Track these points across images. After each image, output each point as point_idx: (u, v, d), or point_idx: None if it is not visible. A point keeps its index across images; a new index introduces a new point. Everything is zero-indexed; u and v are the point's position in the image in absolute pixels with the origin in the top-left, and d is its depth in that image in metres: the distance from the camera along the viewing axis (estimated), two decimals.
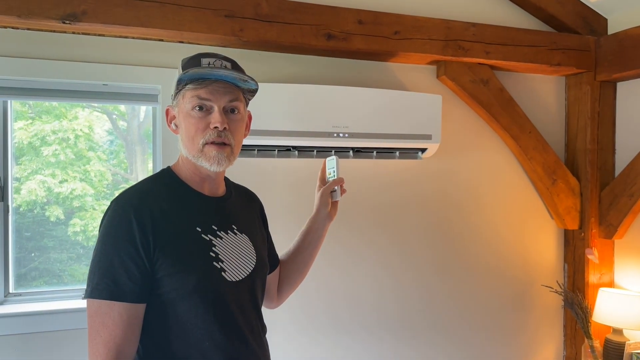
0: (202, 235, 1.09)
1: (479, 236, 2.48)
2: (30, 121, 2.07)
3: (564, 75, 2.59)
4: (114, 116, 2.27)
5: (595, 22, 2.52)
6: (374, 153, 2.21)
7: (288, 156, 2.11)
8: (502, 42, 2.29)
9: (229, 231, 1.15)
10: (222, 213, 1.17)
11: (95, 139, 2.19)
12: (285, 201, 2.15)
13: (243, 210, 1.26)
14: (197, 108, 1.08)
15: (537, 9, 2.44)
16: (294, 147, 2.10)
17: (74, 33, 1.88)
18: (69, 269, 2.09)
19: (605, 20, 2.55)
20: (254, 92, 1.18)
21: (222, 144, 1.09)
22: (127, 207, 1.04)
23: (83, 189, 2.13)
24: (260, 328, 1.20)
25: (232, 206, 1.21)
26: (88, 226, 2.12)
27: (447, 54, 2.21)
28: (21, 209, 2.03)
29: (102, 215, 1.08)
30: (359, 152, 2.19)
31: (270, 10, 1.96)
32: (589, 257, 2.48)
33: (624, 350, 2.25)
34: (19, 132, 2.03)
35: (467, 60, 2.27)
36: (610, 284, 2.53)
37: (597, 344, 2.34)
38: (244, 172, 1.97)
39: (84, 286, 1.03)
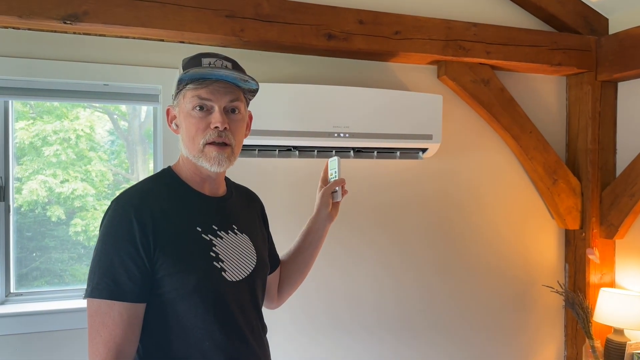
0: (203, 235, 1.09)
1: (479, 236, 2.48)
2: (31, 121, 2.08)
3: (564, 75, 2.59)
4: (115, 116, 2.28)
5: (596, 21, 2.52)
6: (375, 153, 2.21)
7: (289, 156, 2.11)
8: (502, 42, 2.29)
9: (229, 231, 1.15)
10: (222, 213, 1.17)
11: (96, 139, 2.19)
12: (286, 201, 2.16)
13: (244, 210, 1.26)
14: (198, 108, 1.08)
15: (538, 9, 2.44)
16: (295, 147, 2.10)
17: (74, 33, 1.88)
18: (70, 268, 2.09)
19: (606, 20, 2.54)
20: (254, 92, 1.18)
21: (223, 144, 1.09)
22: (128, 206, 1.04)
23: (84, 189, 2.13)
24: (260, 328, 1.20)
25: (232, 206, 1.21)
26: (89, 226, 2.12)
27: (448, 54, 2.21)
28: (22, 209, 2.03)
29: (103, 215, 1.08)
30: (359, 152, 2.19)
31: (271, 10, 1.96)
32: (590, 257, 2.48)
33: (625, 350, 2.24)
34: (20, 132, 2.04)
35: (468, 60, 2.27)
36: (611, 284, 2.53)
37: (598, 344, 2.33)
38: (245, 172, 1.97)
39: (85, 286, 1.03)
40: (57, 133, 2.10)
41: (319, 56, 2.19)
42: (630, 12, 2.43)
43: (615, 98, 2.56)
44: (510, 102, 2.38)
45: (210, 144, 1.09)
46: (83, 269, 2.09)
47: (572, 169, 2.54)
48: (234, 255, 1.12)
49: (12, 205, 1.97)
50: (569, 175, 2.50)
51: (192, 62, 1.10)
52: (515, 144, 2.43)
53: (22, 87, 1.89)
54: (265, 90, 1.78)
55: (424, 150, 2.25)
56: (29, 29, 1.83)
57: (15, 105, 2.00)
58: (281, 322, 2.14)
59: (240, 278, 1.12)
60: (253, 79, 1.12)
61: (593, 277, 2.50)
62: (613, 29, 2.52)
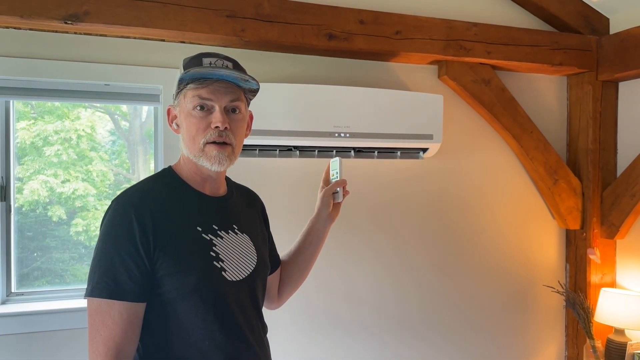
0: (203, 234, 1.09)
1: (480, 236, 2.48)
2: (32, 121, 2.08)
3: (565, 75, 2.58)
4: (116, 116, 2.28)
5: (597, 21, 2.52)
6: (375, 153, 2.21)
7: (289, 156, 2.11)
8: (503, 42, 2.29)
9: (229, 231, 1.15)
10: (223, 213, 1.17)
11: (97, 139, 2.20)
12: (287, 201, 2.16)
13: (244, 210, 1.26)
14: (198, 108, 1.09)
15: (539, 9, 2.44)
16: (295, 147, 2.10)
17: (75, 33, 1.88)
18: (71, 268, 2.09)
19: (607, 19, 2.54)
20: (255, 92, 1.18)
21: (223, 143, 1.09)
22: (128, 206, 1.04)
23: (85, 189, 2.14)
24: (260, 328, 1.20)
25: (233, 206, 1.21)
26: (90, 226, 2.12)
27: (449, 54, 2.21)
28: (23, 209, 2.03)
29: (103, 215, 1.08)
30: (360, 152, 2.19)
31: (272, 10, 1.96)
32: (591, 257, 2.48)
33: (625, 350, 2.24)
34: (21, 132, 2.04)
35: (469, 60, 2.27)
36: (612, 284, 2.53)
37: (599, 344, 2.33)
38: (246, 171, 1.97)
39: (86, 286, 1.03)
40: (58, 133, 2.10)
41: (320, 56, 2.20)
42: (631, 12, 2.43)
43: (616, 98, 2.55)
44: (511, 102, 2.38)
45: (210, 143, 1.09)
46: (84, 269, 2.10)
47: (573, 169, 2.54)
48: (234, 255, 1.13)
49: (13, 205, 1.98)
50: (569, 175, 2.49)
51: (193, 62, 1.10)
52: (516, 144, 2.42)
53: (23, 87, 1.89)
54: (266, 90, 1.79)
55: (424, 150, 2.25)
56: (30, 29, 1.83)
57: (17, 105, 2.00)
58: (281, 322, 2.14)
59: (241, 278, 1.12)
60: (254, 79, 1.12)
61: (594, 277, 2.49)
62: (614, 28, 2.52)
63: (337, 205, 1.36)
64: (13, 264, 1.97)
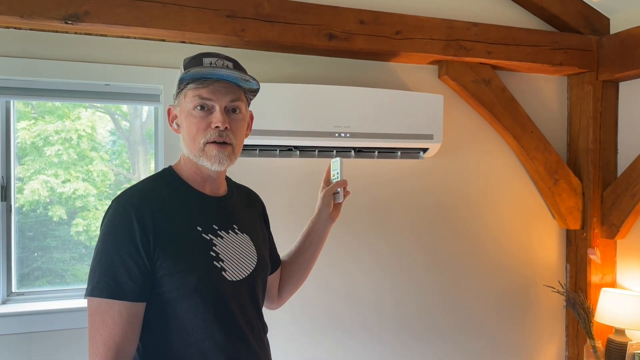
0: (203, 234, 1.09)
1: (480, 236, 2.48)
2: (33, 121, 2.08)
3: (566, 75, 2.58)
4: (117, 116, 2.28)
5: (598, 21, 2.52)
6: (376, 153, 2.21)
7: (290, 156, 2.12)
8: (504, 42, 2.29)
9: (230, 231, 1.15)
10: (223, 213, 1.17)
11: (97, 139, 2.20)
12: (287, 201, 2.16)
13: (244, 210, 1.26)
14: (199, 107, 1.09)
15: (539, 9, 2.44)
16: (296, 147, 2.10)
17: (76, 33, 1.88)
18: (72, 268, 2.10)
19: (608, 19, 2.54)
20: (255, 92, 1.18)
21: (224, 143, 1.10)
22: (128, 206, 1.04)
23: (86, 189, 2.14)
24: (261, 328, 1.20)
25: (233, 206, 1.21)
26: (90, 226, 2.12)
27: (449, 54, 2.21)
28: (24, 209, 2.04)
29: (103, 214, 1.08)
30: (360, 152, 2.19)
31: (272, 10, 1.96)
32: (591, 257, 2.47)
33: (626, 350, 2.24)
34: (21, 132, 2.04)
35: (469, 60, 2.27)
36: (613, 284, 2.53)
37: (599, 344, 2.33)
38: (246, 171, 1.98)
39: (86, 285, 1.03)
40: (58, 133, 2.10)
41: (320, 56, 2.20)
42: (631, 12, 2.43)
43: (617, 98, 2.55)
44: (511, 102, 2.38)
45: (210, 143, 1.09)
46: (84, 269, 2.10)
47: (573, 169, 2.54)
48: (235, 255, 1.13)
49: (14, 205, 1.98)
50: (570, 175, 2.49)
51: (193, 61, 1.10)
52: (516, 144, 2.42)
53: (24, 87, 1.89)
54: (266, 90, 1.79)
55: (424, 150, 2.25)
56: (31, 29, 1.83)
57: (17, 105, 2.01)
58: (281, 322, 2.14)
59: (241, 278, 1.12)
60: (254, 79, 1.12)
61: (594, 277, 2.49)
62: (614, 28, 2.52)
63: (337, 206, 1.36)
64: (13, 264, 1.97)
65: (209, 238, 1.09)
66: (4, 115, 1.93)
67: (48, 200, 2.07)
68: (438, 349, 2.40)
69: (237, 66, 1.14)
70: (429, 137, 2.17)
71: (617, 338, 2.30)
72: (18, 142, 2.02)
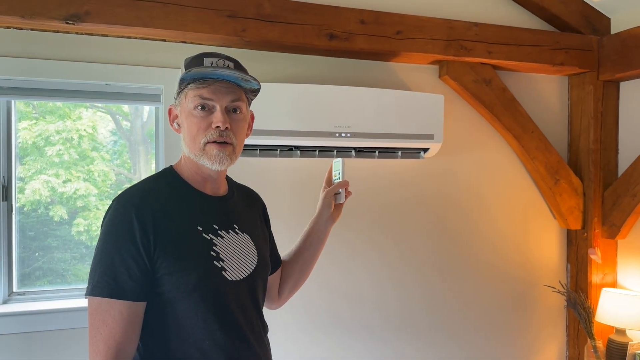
0: (203, 234, 1.09)
1: (481, 236, 2.48)
2: (34, 121, 2.09)
3: (566, 75, 2.58)
4: (118, 116, 2.28)
5: (598, 21, 2.51)
6: (376, 153, 2.21)
7: (290, 156, 2.12)
8: (504, 42, 2.29)
9: (230, 231, 1.15)
10: (223, 212, 1.17)
11: (98, 139, 2.20)
12: (287, 201, 2.16)
13: (245, 209, 1.26)
14: (200, 107, 1.09)
15: (540, 9, 2.44)
16: (296, 147, 2.10)
17: (77, 33, 1.89)
18: (73, 268, 2.10)
19: (608, 19, 2.54)
20: (256, 92, 1.18)
21: (224, 142, 1.10)
22: (129, 205, 1.04)
23: (87, 189, 2.14)
24: (261, 327, 1.20)
25: (234, 206, 1.21)
26: (91, 226, 2.13)
27: (450, 54, 2.21)
28: (25, 209, 2.04)
29: (104, 214, 1.08)
30: (361, 152, 2.19)
31: (273, 10, 1.96)
32: (592, 257, 2.47)
33: (626, 350, 2.24)
34: (22, 132, 2.04)
35: (470, 60, 2.27)
36: (613, 284, 2.52)
37: (600, 344, 2.33)
38: (246, 171, 1.98)
39: (87, 285, 1.03)
40: (59, 133, 2.10)
41: (321, 56, 2.20)
42: (632, 12, 2.43)
43: (617, 98, 2.55)
44: (512, 102, 2.38)
45: (211, 142, 1.09)
46: (85, 269, 2.10)
47: (574, 169, 2.54)
48: (235, 255, 1.13)
49: (15, 204, 1.98)
50: (570, 175, 2.49)
51: (194, 61, 1.11)
52: (517, 144, 2.42)
53: (25, 87, 1.89)
54: (267, 90, 1.79)
55: (425, 150, 2.25)
56: (31, 29, 1.84)
57: (18, 105, 2.01)
58: (282, 321, 2.14)
59: (241, 277, 1.12)
60: (255, 79, 1.12)
61: (595, 277, 2.49)
62: (615, 28, 2.51)
63: (339, 206, 1.36)
64: (15, 264, 1.97)
65: (209, 238, 1.09)
66: (5, 115, 1.94)
67: (49, 200, 2.08)
68: (439, 348, 2.40)
69: (238, 66, 1.14)
70: (430, 137, 2.17)
71: (618, 338, 2.30)
72: (19, 142, 2.03)
